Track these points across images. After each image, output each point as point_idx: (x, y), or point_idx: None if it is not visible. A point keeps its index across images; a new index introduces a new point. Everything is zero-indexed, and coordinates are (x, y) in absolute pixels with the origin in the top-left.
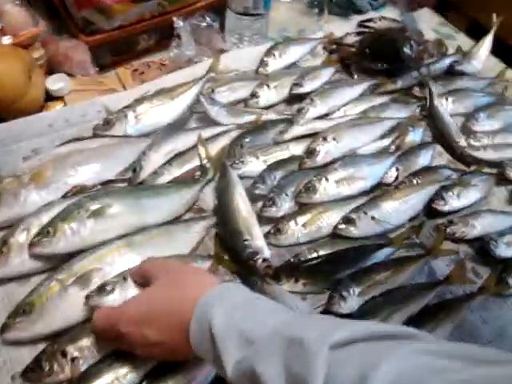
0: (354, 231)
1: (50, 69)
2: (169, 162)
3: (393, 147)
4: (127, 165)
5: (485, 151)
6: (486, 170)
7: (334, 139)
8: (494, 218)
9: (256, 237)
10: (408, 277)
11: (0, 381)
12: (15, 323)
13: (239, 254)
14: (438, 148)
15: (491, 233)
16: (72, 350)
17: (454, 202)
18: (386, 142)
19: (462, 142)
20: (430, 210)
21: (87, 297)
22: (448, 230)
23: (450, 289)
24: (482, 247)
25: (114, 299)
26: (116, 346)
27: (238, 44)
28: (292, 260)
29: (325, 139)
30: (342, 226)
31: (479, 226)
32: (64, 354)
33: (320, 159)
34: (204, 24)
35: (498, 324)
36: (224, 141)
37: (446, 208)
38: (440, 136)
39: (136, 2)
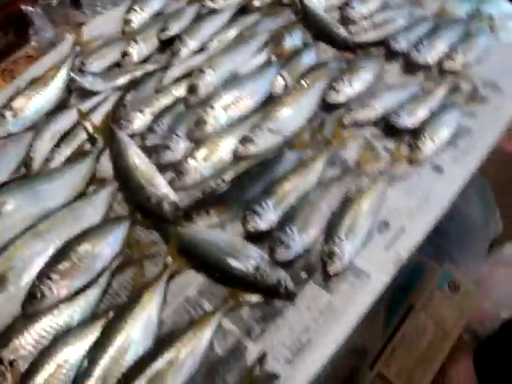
0: (253, 149)
1: None
2: (56, 145)
3: (273, 57)
4: (18, 162)
5: (366, 34)
6: (374, 51)
7: (210, 68)
8: (390, 94)
9: (158, 186)
10: (319, 174)
11: None
12: None
13: (147, 208)
14: (322, 46)
15: (391, 108)
16: (7, 355)
17: (348, 89)
18: (264, 55)
19: (342, 31)
20: (327, 106)
21: None
22: (348, 118)
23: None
24: (386, 124)
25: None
26: None
27: (100, 11)
28: (199, 196)
29: (202, 71)
30: (241, 148)
31: (378, 106)
32: (1, 361)
33: (203, 92)
34: (54, 2)
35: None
36: (106, 107)
37: (341, 98)
38: (320, 33)
39: None
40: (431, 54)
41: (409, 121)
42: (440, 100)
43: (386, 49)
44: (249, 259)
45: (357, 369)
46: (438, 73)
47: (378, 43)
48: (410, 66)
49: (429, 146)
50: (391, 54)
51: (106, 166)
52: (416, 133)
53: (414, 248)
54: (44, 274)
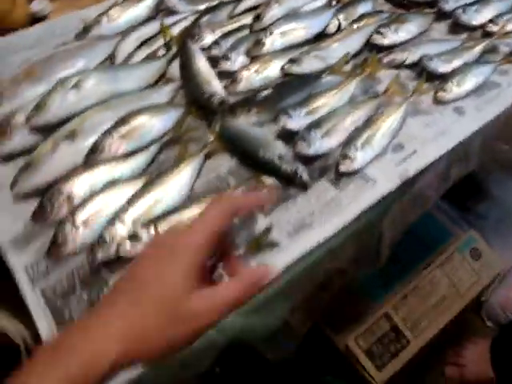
0: (298, 69)
1: None
2: (138, 47)
3: (334, 2)
4: (104, 57)
5: None
6: (425, 9)
7: (276, 2)
8: (432, 44)
9: (213, 85)
10: (350, 95)
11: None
12: (20, 178)
13: (201, 101)
14: (380, 0)
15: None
16: (67, 188)
17: (393, 35)
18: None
19: None
20: (372, 47)
21: None
22: (387, 57)
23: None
24: (421, 69)
25: None
26: None
27: None
28: (245, 96)
29: (268, 4)
30: (288, 65)
31: (418, 51)
32: (60, 192)
33: (266, 21)
34: None
35: (439, 125)
36: (184, 24)
37: (385, 41)
38: None
39: None
40: (477, 18)
41: (441, 67)
42: (476, 55)
43: (437, 10)
44: (275, 150)
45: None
46: (481, 35)
47: (431, 3)
48: (456, 27)
49: (454, 90)
50: (441, 15)
51: (174, 70)
52: (445, 77)
53: (421, 169)
54: (106, 134)
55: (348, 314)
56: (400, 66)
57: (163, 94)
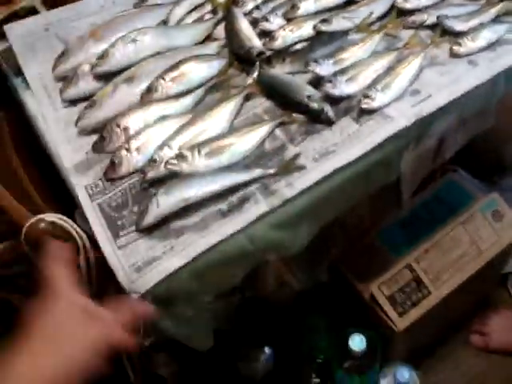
0: (327, 27)
1: None
2: (189, 12)
3: None
4: (159, 20)
5: None
6: None
7: None
8: (452, 8)
9: (253, 41)
10: (373, 47)
11: (79, 156)
12: (84, 115)
13: (242, 54)
14: None
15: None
16: (124, 122)
17: (415, 1)
18: None
19: None
20: (398, 13)
21: None
22: (409, 19)
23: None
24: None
25: None
26: None
27: None
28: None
29: None
30: (319, 24)
31: (438, 13)
32: (118, 125)
33: None
34: None
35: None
36: None
37: (408, 5)
38: None
39: None
40: None
41: (457, 25)
42: (492, 16)
43: None
44: (305, 92)
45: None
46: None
47: None
48: None
49: (468, 44)
50: None
51: (220, 32)
52: (461, 34)
53: (435, 109)
54: (160, 76)
55: (371, 264)
56: (420, 26)
57: (210, 49)
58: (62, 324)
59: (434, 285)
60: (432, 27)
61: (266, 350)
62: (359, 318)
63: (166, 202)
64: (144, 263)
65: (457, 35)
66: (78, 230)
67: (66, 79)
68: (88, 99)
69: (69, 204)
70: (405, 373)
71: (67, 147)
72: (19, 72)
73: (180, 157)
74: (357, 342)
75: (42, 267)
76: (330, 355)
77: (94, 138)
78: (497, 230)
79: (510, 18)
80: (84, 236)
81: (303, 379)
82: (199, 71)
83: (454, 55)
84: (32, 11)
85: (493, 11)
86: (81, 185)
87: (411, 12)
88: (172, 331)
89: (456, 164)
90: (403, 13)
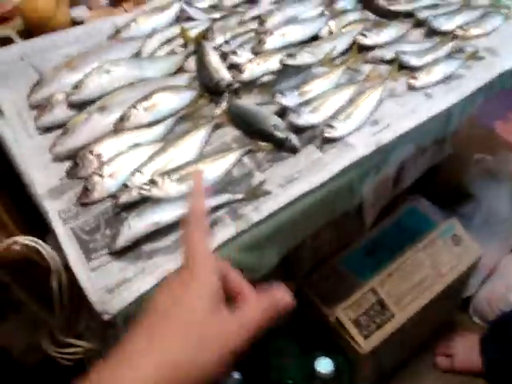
0: (292, 61)
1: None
2: (161, 45)
3: (326, 12)
4: (132, 53)
5: (400, 5)
6: (404, 19)
7: (278, 10)
8: (409, 45)
9: (222, 73)
10: (336, 80)
11: (53, 182)
12: (58, 142)
13: (211, 86)
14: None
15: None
16: (97, 149)
17: (374, 37)
18: (320, 9)
19: (382, 2)
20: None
21: None
22: (369, 54)
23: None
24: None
25: None
26: None
27: None
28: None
29: (271, 13)
30: (284, 58)
31: (394, 49)
32: (91, 152)
33: (268, 26)
34: None
35: (411, 105)
36: (201, 28)
37: (368, 41)
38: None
39: None
40: (448, 24)
41: (413, 60)
42: (445, 53)
43: (414, 19)
44: (271, 121)
45: None
46: (451, 39)
47: (409, 14)
48: (430, 33)
49: (424, 78)
50: (417, 24)
51: (190, 65)
52: (417, 68)
53: (393, 138)
54: (133, 106)
55: (336, 288)
56: (380, 61)
57: (181, 81)
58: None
59: (397, 307)
60: (390, 62)
61: (235, 375)
62: (326, 342)
63: (137, 224)
64: (116, 284)
65: (413, 70)
66: (51, 251)
67: (40, 107)
68: (63, 127)
69: (40, 228)
70: None
71: (41, 173)
72: None
73: (152, 182)
74: (324, 365)
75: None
76: (299, 379)
77: (68, 164)
78: (456, 254)
79: (461, 54)
80: (57, 258)
81: None
82: (171, 102)
83: (410, 88)
84: (7, 41)
85: (446, 48)
86: (54, 210)
87: (371, 48)
88: None
89: (416, 192)
90: (364, 48)
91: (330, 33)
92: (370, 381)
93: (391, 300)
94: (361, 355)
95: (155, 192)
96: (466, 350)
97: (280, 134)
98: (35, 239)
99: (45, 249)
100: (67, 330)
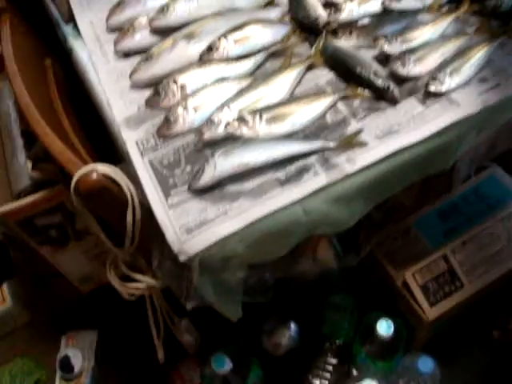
0: (397, 5)
1: None
2: None
3: None
4: None
5: None
6: None
7: None
8: None
9: (319, 11)
10: (442, 30)
11: (131, 110)
12: (139, 68)
13: (306, 23)
14: None
15: None
16: (181, 79)
17: None
18: None
19: None
20: None
21: None
22: (481, 4)
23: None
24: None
25: None
26: None
27: None
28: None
29: None
30: (388, 1)
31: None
32: (175, 82)
33: None
34: None
35: None
36: None
37: None
38: None
39: None
40: None
41: None
42: None
43: None
44: (371, 67)
45: None
46: None
47: None
48: None
49: None
50: None
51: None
52: None
53: (500, 100)
54: (223, 36)
55: (406, 250)
56: (492, 13)
57: (272, 14)
58: None
59: (467, 278)
60: (503, 16)
61: (292, 325)
62: (385, 304)
63: (224, 164)
64: (195, 225)
65: None
66: (129, 183)
67: (120, 31)
68: (143, 53)
69: (110, 159)
70: (428, 363)
71: (119, 100)
72: (70, 19)
73: (241, 120)
74: (384, 327)
75: None
76: (351, 337)
77: (148, 92)
78: None
79: None
80: (133, 191)
81: (321, 359)
82: (263, 36)
83: None
84: None
85: None
86: (132, 139)
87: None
88: (212, 298)
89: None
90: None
91: None
92: (424, 348)
93: (462, 270)
94: (424, 322)
95: (245, 131)
96: None
97: (380, 82)
98: (114, 167)
99: (123, 179)
100: (133, 265)
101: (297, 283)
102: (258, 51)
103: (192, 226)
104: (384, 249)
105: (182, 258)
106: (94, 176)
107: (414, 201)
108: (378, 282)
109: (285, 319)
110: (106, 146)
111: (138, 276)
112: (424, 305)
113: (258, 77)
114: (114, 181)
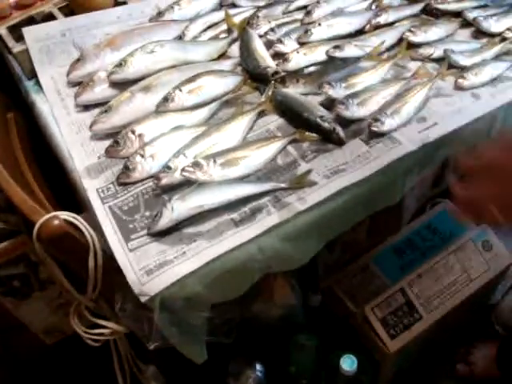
0: (340, 53)
1: None
2: (204, 30)
3: (373, 5)
4: (175, 36)
5: (448, 4)
6: (452, 17)
7: (324, 1)
8: (456, 44)
9: (268, 61)
10: (383, 75)
11: (91, 160)
12: (99, 120)
13: (257, 73)
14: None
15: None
16: (139, 129)
17: (422, 34)
18: (367, 3)
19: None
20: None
21: None
22: (416, 51)
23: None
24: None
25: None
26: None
27: None
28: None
29: (318, 2)
30: (331, 50)
31: (443, 48)
32: (133, 132)
33: (315, 17)
34: None
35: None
36: (245, 15)
37: (416, 39)
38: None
39: None
40: (496, 26)
41: (462, 60)
42: (493, 54)
43: (462, 18)
44: (317, 112)
45: None
46: (500, 40)
47: (457, 14)
48: (478, 33)
49: (472, 78)
50: (465, 23)
51: (234, 51)
52: (465, 68)
53: (439, 136)
54: (177, 87)
55: (365, 286)
56: (427, 59)
57: (225, 66)
58: None
59: (425, 309)
60: (437, 60)
61: (258, 366)
62: (348, 340)
63: (181, 207)
64: (155, 266)
65: (461, 69)
66: (90, 229)
67: (80, 84)
68: (102, 105)
69: (72, 209)
70: None
71: (80, 150)
72: (32, 75)
73: (196, 165)
74: (348, 364)
75: None
76: (318, 376)
77: (107, 142)
78: (487, 259)
79: (509, 57)
80: (95, 236)
81: None
82: (215, 86)
83: (458, 87)
84: (49, 17)
85: (494, 50)
86: (92, 187)
87: (419, 45)
88: (175, 339)
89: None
90: (411, 45)
91: (376, 27)
92: (390, 382)
93: (419, 302)
94: (387, 355)
95: (200, 175)
96: (485, 358)
97: (327, 125)
98: (75, 215)
99: (84, 225)
100: (96, 311)
101: (261, 323)
102: (212, 100)
103: (152, 267)
104: (344, 286)
105: (143, 299)
106: (56, 222)
107: (367, 236)
108: (341, 319)
109: (251, 360)
110: (68, 197)
111: (102, 322)
112: (385, 338)
113: (212, 124)
114: (75, 227)
